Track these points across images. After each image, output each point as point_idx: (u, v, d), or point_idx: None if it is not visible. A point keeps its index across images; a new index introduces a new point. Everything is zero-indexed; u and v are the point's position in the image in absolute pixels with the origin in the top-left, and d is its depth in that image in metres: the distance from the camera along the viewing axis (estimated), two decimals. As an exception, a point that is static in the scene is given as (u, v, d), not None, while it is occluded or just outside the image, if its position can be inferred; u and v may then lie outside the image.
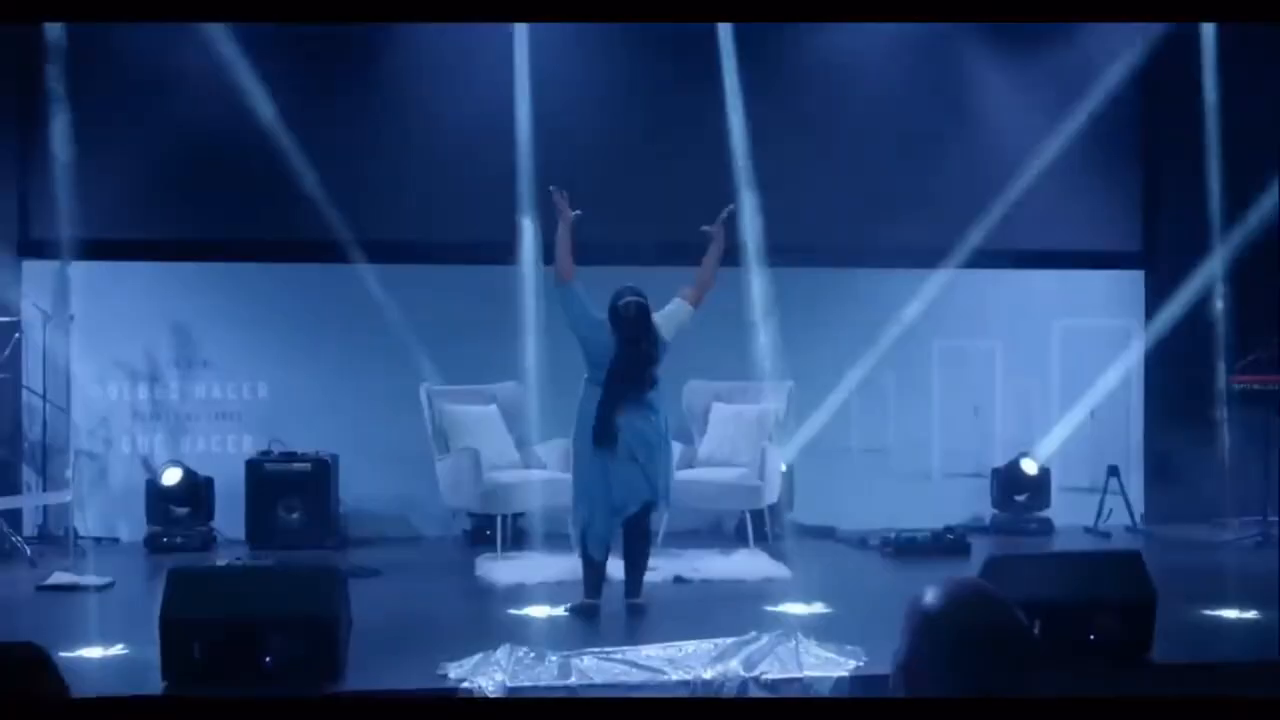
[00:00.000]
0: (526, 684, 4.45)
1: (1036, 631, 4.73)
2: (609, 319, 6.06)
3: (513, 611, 5.96)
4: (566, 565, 6.82)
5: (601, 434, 5.90)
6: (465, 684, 4.42)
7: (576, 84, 8.46)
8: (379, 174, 8.42)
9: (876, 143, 8.68)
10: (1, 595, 6.38)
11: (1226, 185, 8.73)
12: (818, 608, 5.95)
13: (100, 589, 6.45)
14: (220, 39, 8.07)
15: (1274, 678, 4.68)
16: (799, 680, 4.54)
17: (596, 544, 5.90)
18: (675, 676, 4.55)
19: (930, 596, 1.91)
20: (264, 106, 8.09)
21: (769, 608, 5.90)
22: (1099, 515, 8.55)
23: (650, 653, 4.78)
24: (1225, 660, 4.99)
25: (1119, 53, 8.82)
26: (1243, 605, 5.90)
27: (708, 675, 4.54)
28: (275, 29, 7.92)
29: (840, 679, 4.49)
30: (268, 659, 4.40)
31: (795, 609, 5.91)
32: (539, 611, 5.89)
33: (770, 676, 4.56)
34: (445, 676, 4.51)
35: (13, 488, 7.49)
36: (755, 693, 4.50)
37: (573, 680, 4.50)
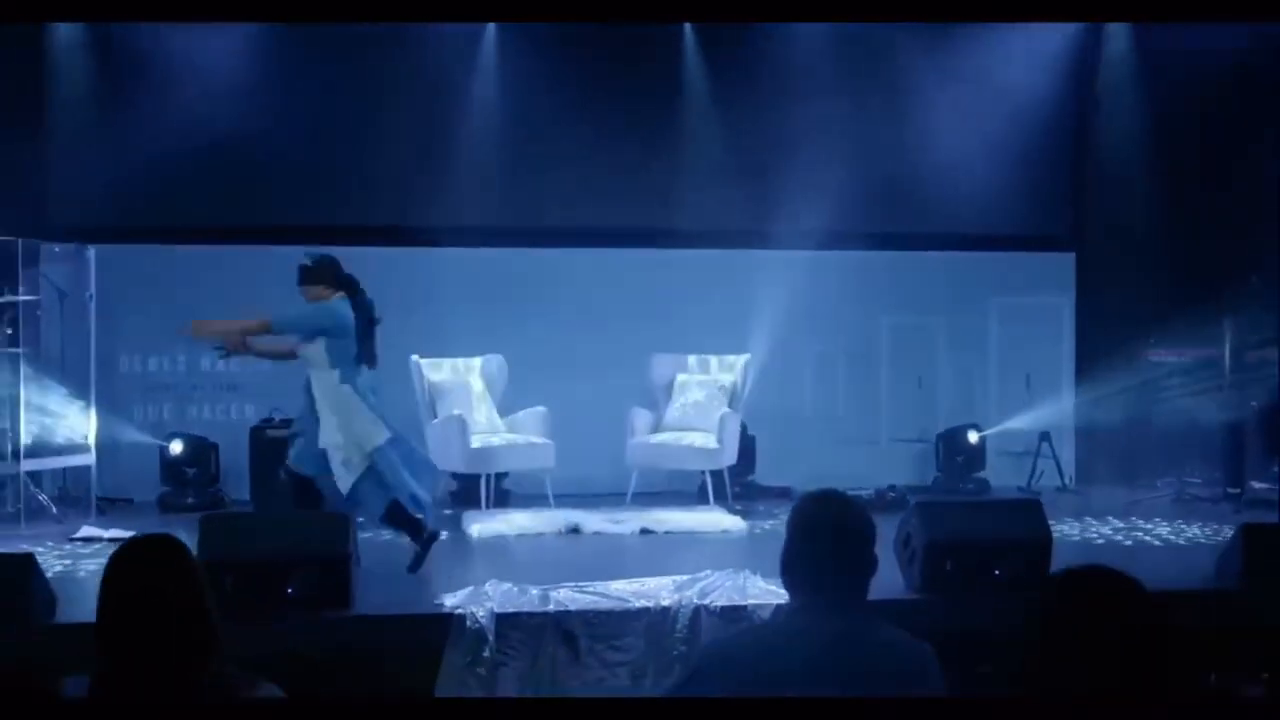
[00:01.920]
0: (511, 610, 5.19)
1: (949, 567, 5.55)
2: (354, 303, 6.25)
3: (497, 557, 6.71)
4: (544, 518, 7.63)
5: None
6: (459, 610, 5.15)
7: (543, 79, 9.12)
8: (373, 164, 9.08)
9: (828, 135, 9.23)
10: (41, 546, 7.07)
11: (1150, 172, 9.51)
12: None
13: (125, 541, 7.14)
14: (233, 32, 8.74)
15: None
16: (744, 607, 5.29)
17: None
18: (638, 604, 5.30)
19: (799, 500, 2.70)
20: (269, 100, 8.78)
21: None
22: (1031, 476, 9.35)
23: (618, 586, 5.51)
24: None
25: (1047, 46, 9.58)
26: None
27: (666, 603, 5.30)
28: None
29: (778, 606, 5.21)
30: (289, 590, 5.12)
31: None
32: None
33: (719, 604, 5.31)
34: (441, 605, 5.23)
35: (36, 452, 8.13)
36: (706, 619, 5.25)
37: (551, 608, 5.24)
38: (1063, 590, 2.19)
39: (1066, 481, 9.41)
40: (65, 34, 8.89)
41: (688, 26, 9.44)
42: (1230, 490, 8.61)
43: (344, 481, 6.05)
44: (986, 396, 9.82)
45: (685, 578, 5.60)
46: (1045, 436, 9.45)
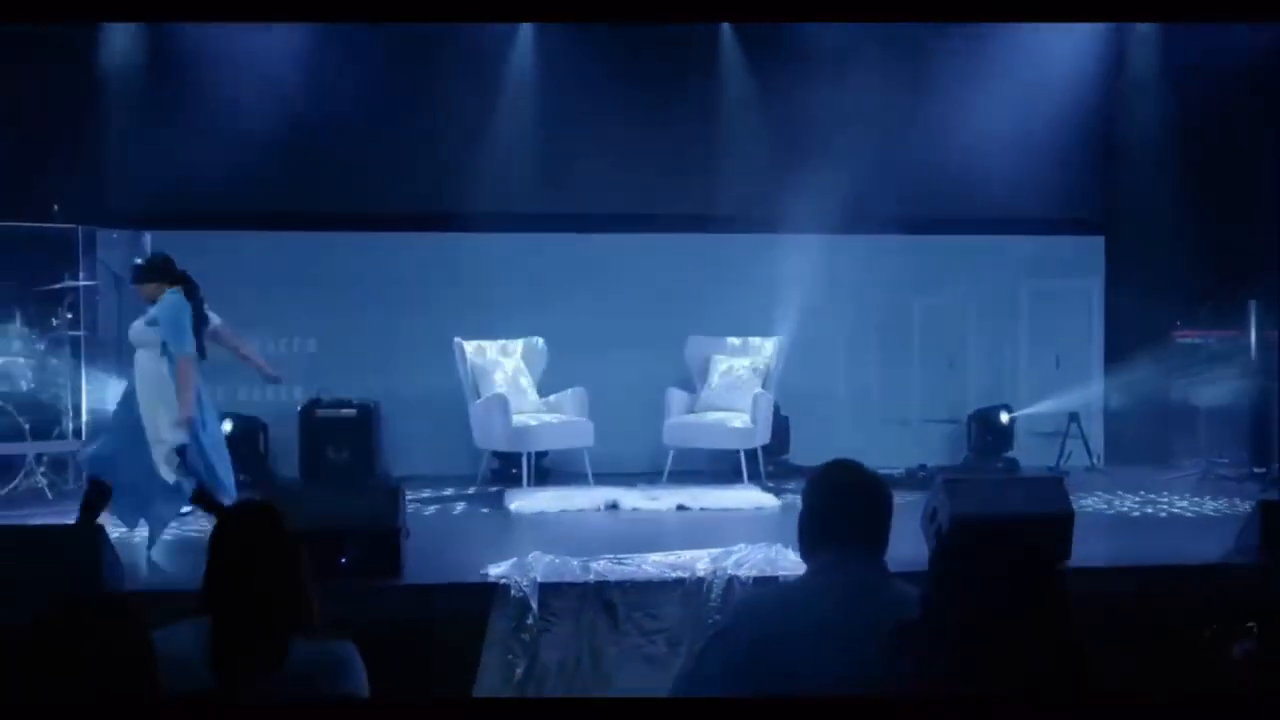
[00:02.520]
0: (553, 580, 5.45)
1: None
2: (189, 292, 6.47)
3: (538, 531, 6.97)
4: (584, 495, 7.89)
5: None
6: (504, 580, 5.41)
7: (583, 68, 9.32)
8: (420, 152, 9.34)
9: (862, 123, 9.35)
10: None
11: (1177, 159, 9.64)
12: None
13: (183, 515, 7.46)
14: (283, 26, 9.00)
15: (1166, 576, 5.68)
16: (774, 578, 5.51)
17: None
18: (674, 575, 5.55)
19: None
20: (321, 89, 9.03)
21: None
22: (1060, 456, 9.53)
23: (656, 558, 5.77)
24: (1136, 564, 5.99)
25: (1078, 35, 9.70)
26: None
27: (700, 574, 5.54)
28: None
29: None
30: (343, 560, 5.40)
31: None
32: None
33: (751, 575, 5.55)
34: (486, 575, 5.49)
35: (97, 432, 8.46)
36: (739, 589, 5.49)
37: (591, 578, 5.50)
38: (957, 532, 2.38)
39: (1095, 461, 9.59)
40: (122, 25, 9.17)
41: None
42: (1256, 470, 8.76)
43: (167, 472, 6.25)
44: (1016, 378, 10.00)
45: (719, 551, 5.84)
46: (1074, 417, 9.62)
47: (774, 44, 9.57)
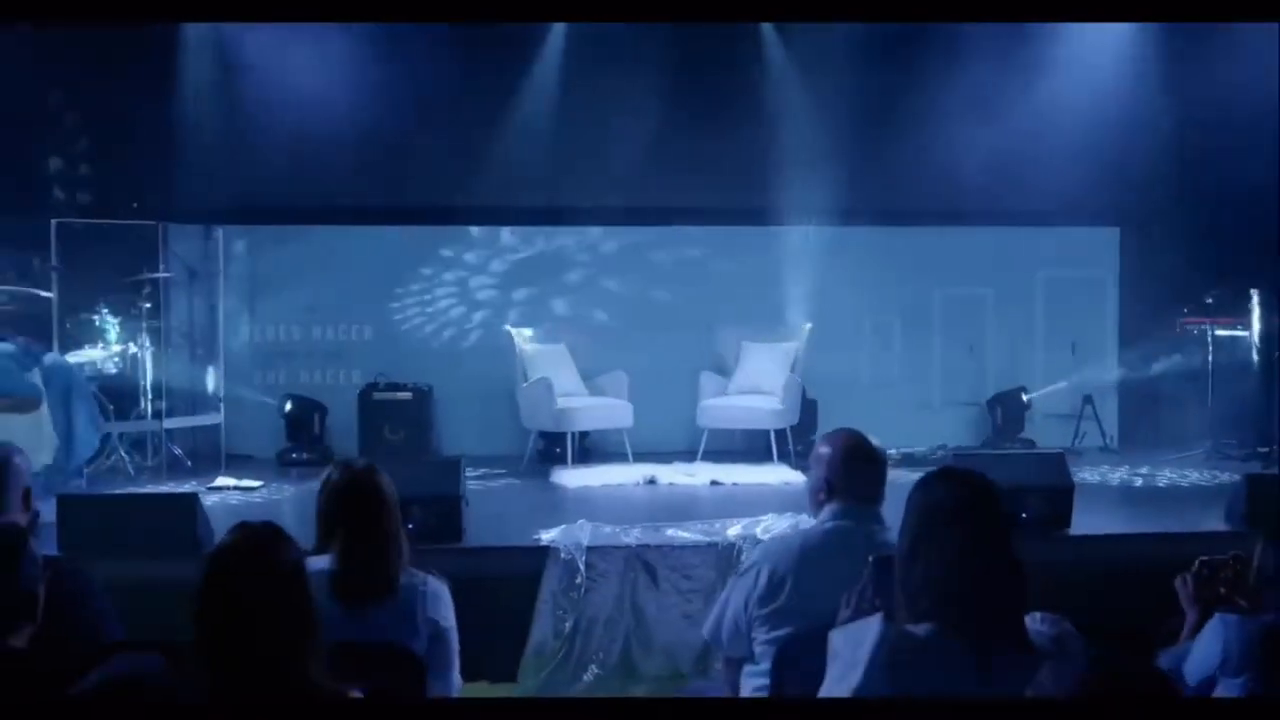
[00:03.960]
0: (599, 544, 6.07)
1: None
2: None
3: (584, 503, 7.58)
4: (624, 471, 8.50)
5: None
6: (554, 544, 6.02)
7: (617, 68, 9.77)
8: (468, 151, 9.90)
9: (893, 122, 9.89)
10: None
11: (1189, 156, 10.11)
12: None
13: (255, 489, 8.13)
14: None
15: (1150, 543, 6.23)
16: (795, 539, 6.10)
17: None
18: (707, 541, 6.15)
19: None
20: (383, 87, 9.54)
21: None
22: (1075, 437, 10.05)
23: (689, 530, 6.39)
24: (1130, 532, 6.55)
25: (1099, 34, 10.17)
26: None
27: (731, 539, 6.14)
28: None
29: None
30: (410, 525, 5.97)
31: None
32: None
33: (778, 540, 6.14)
34: (539, 539, 6.11)
35: (172, 413, 9.15)
36: (767, 552, 6.07)
37: (633, 543, 6.11)
38: (926, 482, 2.85)
39: (1108, 442, 10.09)
40: (194, 28, 9.70)
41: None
42: (1260, 450, 9.25)
43: None
44: (1034, 363, 10.49)
45: (748, 520, 6.43)
46: (1089, 400, 10.12)
47: (805, 42, 10.03)
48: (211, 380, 9.37)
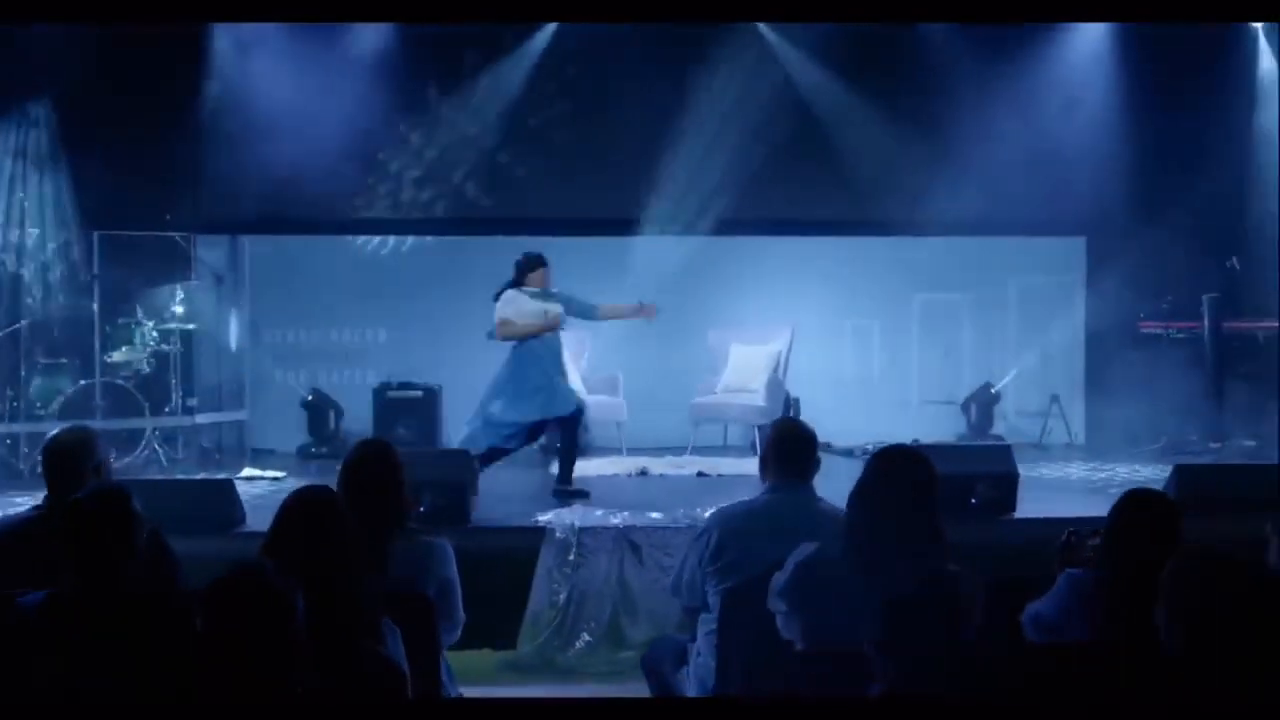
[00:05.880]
0: (590, 525, 6.77)
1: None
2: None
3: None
4: (618, 463, 9.20)
5: None
6: (550, 525, 6.73)
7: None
8: (471, 163, 10.65)
9: (870, 134, 10.55)
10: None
11: (1150, 167, 10.76)
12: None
13: (280, 479, 8.83)
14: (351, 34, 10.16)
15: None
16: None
17: None
18: (686, 523, 6.84)
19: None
20: (381, 110, 10.31)
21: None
22: (1042, 433, 10.75)
23: (673, 512, 7.08)
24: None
25: (1068, 51, 10.85)
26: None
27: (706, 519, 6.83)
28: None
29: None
30: (422, 508, 6.70)
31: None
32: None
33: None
34: (536, 520, 6.82)
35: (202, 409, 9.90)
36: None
37: (620, 523, 6.82)
38: (878, 453, 3.63)
39: (1073, 438, 10.78)
40: (217, 43, 10.28)
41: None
42: (1212, 445, 9.93)
43: None
44: (1005, 364, 11.17)
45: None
46: (1055, 399, 10.82)
47: (779, 57, 10.68)
48: (237, 379, 10.09)
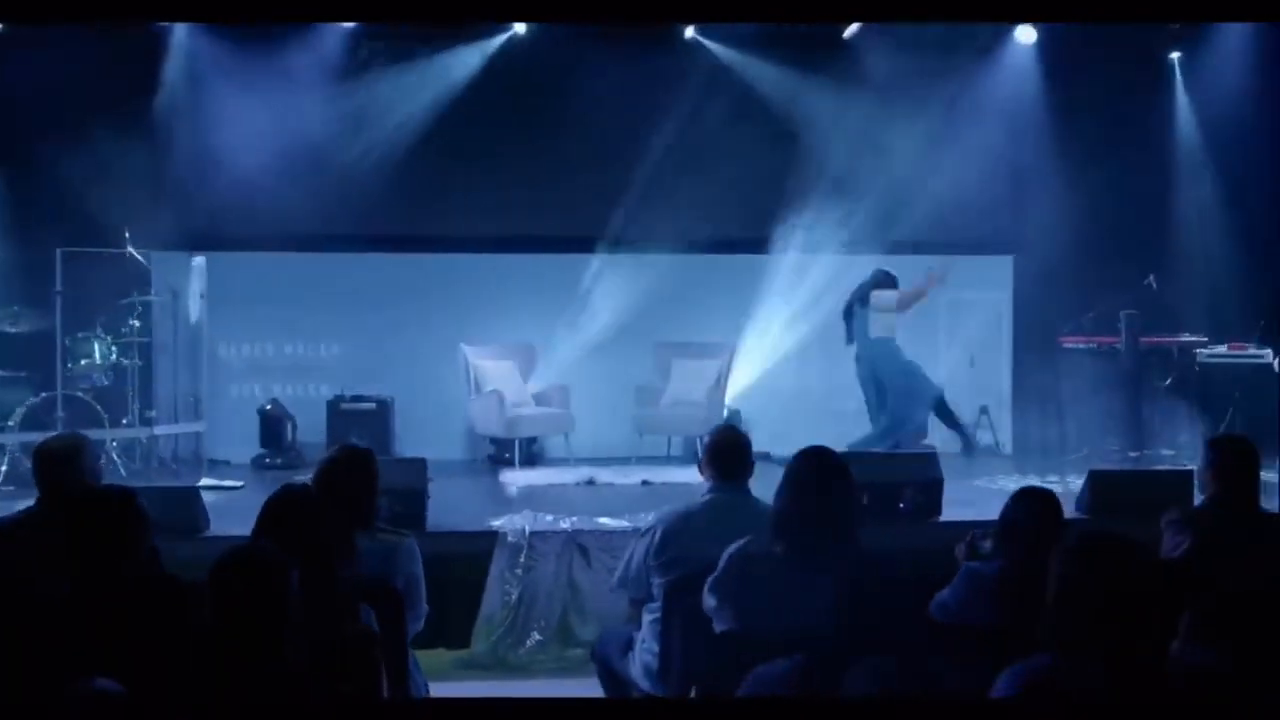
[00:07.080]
0: (540, 529, 7.12)
1: (865, 501, 7.43)
2: None
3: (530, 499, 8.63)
4: (566, 472, 9.56)
5: None
6: (502, 529, 7.08)
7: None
8: (425, 182, 10.96)
9: (799, 157, 11.04)
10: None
11: (1073, 188, 11.26)
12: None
13: (238, 489, 9.10)
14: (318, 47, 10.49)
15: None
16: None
17: None
18: (630, 527, 7.19)
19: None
20: (350, 114, 10.60)
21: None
22: (971, 442, 11.21)
23: (619, 517, 7.45)
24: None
25: (999, 72, 11.37)
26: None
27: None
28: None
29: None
30: (380, 513, 7.02)
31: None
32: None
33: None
34: (489, 525, 7.16)
35: (159, 421, 10.15)
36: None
37: (568, 527, 7.17)
38: (797, 455, 4.05)
39: (999, 446, 11.28)
40: (171, 65, 10.58)
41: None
42: (1131, 454, 10.44)
43: None
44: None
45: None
46: (984, 410, 11.32)
47: (719, 78, 11.14)
48: (193, 392, 10.35)
